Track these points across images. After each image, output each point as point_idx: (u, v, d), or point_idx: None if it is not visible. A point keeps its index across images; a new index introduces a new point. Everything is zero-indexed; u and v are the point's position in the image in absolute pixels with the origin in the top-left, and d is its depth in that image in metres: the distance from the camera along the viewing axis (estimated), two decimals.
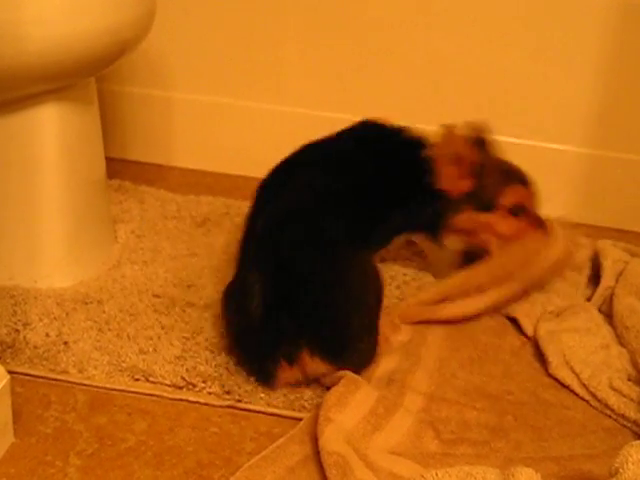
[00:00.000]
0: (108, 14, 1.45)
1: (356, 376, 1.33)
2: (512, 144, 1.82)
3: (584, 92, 2.00)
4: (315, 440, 1.21)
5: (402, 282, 1.69)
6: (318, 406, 1.28)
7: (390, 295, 1.64)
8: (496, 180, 1.59)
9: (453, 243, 1.65)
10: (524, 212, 1.61)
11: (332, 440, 1.19)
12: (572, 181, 2.07)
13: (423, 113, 1.93)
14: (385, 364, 1.40)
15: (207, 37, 2.13)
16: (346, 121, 1.95)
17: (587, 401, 1.41)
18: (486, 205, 1.59)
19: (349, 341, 1.36)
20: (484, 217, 1.59)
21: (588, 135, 2.03)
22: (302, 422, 1.28)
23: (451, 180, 1.56)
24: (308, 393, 1.36)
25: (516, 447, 1.29)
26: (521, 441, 1.30)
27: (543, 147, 2.04)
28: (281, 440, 1.24)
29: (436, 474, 1.02)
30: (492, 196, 1.58)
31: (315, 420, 1.25)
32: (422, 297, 1.59)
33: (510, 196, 1.59)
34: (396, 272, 1.72)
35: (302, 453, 1.22)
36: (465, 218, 1.59)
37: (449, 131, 1.57)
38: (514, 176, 1.61)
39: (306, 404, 1.34)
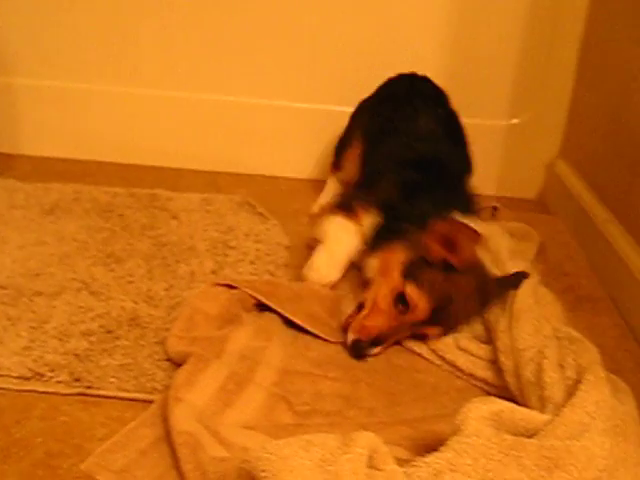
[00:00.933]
0: None
1: (205, 354, 1.32)
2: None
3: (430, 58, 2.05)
4: (166, 422, 1.20)
5: (255, 257, 1.69)
6: (168, 387, 1.27)
7: (244, 272, 1.64)
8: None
9: None
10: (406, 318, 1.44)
11: (182, 420, 1.18)
12: None
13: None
14: (236, 340, 1.39)
15: (52, 19, 2.07)
16: (204, 102, 1.94)
17: (439, 365, 1.44)
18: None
19: None
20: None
21: None
22: (153, 405, 1.27)
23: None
24: (160, 374, 1.34)
25: (369, 413, 1.31)
26: (374, 407, 1.32)
27: None
28: (132, 424, 1.23)
29: (277, 444, 1.02)
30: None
31: (165, 401, 1.23)
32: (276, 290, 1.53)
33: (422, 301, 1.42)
34: (248, 248, 1.73)
35: (153, 436, 1.20)
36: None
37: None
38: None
39: (158, 386, 1.32)
